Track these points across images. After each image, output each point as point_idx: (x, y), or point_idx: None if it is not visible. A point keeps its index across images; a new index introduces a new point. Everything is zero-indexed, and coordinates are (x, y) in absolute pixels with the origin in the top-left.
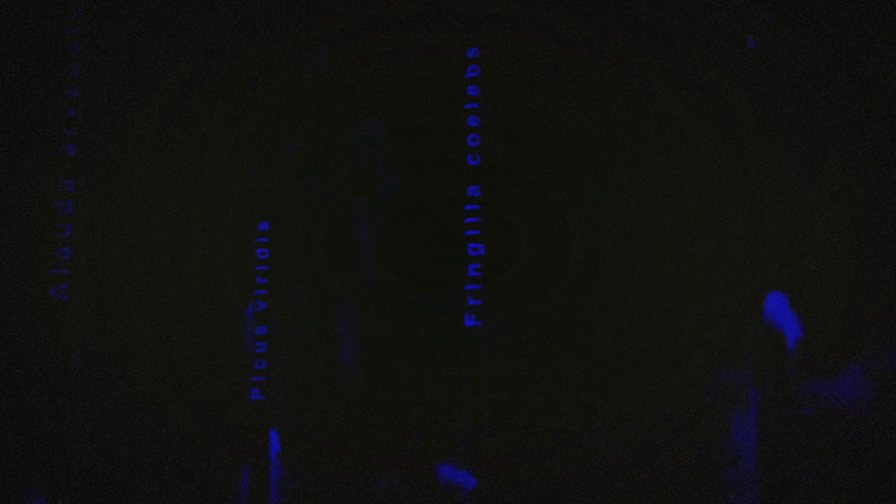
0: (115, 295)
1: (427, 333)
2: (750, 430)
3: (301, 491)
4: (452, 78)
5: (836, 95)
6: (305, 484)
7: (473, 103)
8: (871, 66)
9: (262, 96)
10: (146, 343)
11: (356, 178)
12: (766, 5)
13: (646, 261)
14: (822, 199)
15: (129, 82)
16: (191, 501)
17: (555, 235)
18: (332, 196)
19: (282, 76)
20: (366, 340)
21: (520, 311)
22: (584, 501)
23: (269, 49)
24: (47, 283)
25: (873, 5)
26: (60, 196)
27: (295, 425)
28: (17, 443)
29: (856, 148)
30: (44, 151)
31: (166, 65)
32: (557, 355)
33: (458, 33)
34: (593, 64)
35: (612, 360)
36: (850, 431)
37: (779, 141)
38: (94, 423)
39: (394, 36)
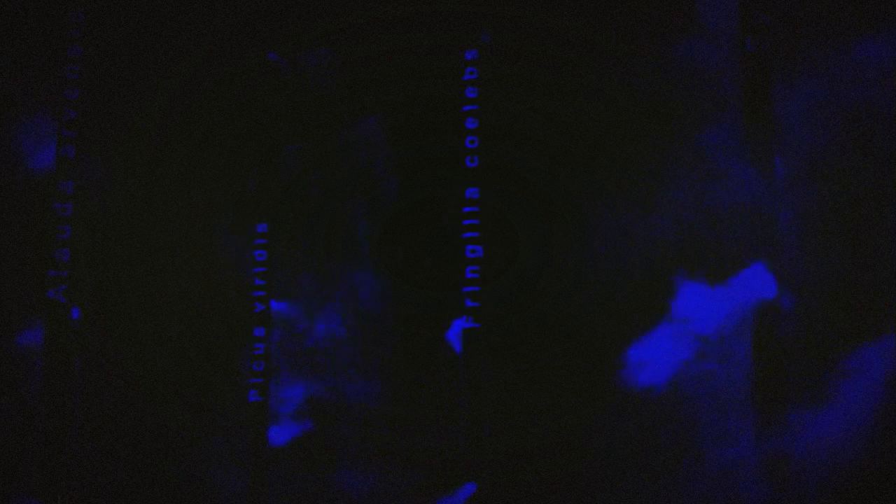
0: (115, 296)
1: (427, 334)
2: (750, 431)
3: (300, 491)
4: (451, 80)
5: (836, 97)
6: (304, 484)
7: (472, 105)
8: (870, 66)
9: (261, 96)
10: (145, 344)
11: (355, 178)
12: (765, 6)
13: (645, 261)
14: (823, 199)
15: (129, 84)
16: (190, 502)
17: (554, 236)
18: (332, 196)
19: (282, 76)
20: (365, 340)
21: (519, 312)
22: (584, 501)
23: (269, 49)
24: (46, 284)
25: (872, 5)
26: (60, 198)
27: (294, 426)
28: (16, 443)
29: (856, 148)
30: (43, 153)
31: (166, 65)
32: (557, 356)
33: (457, 35)
34: (593, 64)
35: (613, 360)
36: (850, 432)
37: (778, 140)
38: (94, 423)
39: (393, 36)
